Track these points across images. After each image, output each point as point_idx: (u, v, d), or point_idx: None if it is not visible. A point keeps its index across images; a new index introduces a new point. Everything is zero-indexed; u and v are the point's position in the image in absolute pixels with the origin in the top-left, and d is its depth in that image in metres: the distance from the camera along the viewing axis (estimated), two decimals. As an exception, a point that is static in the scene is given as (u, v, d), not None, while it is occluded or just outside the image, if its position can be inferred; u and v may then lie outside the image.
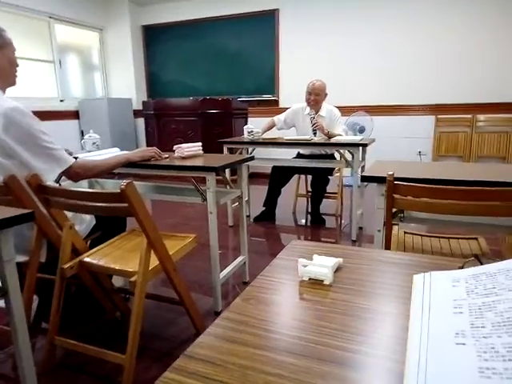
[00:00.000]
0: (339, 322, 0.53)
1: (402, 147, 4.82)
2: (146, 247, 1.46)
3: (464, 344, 0.45)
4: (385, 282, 0.65)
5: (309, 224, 3.59)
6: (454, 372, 0.41)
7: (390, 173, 1.40)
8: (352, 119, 4.62)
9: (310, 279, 0.65)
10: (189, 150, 2.13)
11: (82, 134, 5.46)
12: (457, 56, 4.53)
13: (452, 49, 4.53)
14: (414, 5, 4.61)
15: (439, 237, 1.82)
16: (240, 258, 2.27)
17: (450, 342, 0.46)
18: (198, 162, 2.00)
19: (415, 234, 1.87)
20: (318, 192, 3.45)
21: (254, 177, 4.89)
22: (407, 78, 4.77)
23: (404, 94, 4.81)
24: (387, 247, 1.57)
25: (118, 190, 1.30)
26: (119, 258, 1.62)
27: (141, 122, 5.86)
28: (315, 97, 3.30)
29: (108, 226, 1.90)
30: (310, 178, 3.66)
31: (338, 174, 3.58)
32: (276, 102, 5.48)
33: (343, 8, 4.91)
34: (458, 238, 1.79)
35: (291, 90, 5.22)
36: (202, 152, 2.21)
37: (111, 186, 2.38)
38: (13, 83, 1.65)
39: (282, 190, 3.56)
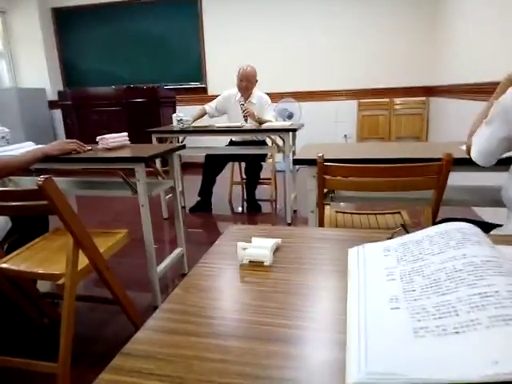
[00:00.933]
0: (281, 300, 0.53)
1: (329, 131, 5.02)
2: (72, 246, 1.35)
3: (398, 308, 0.47)
4: (322, 258, 0.66)
5: (245, 211, 3.61)
6: (391, 335, 0.43)
7: (320, 155, 1.44)
8: (281, 105, 4.70)
9: (250, 262, 0.64)
10: (114, 140, 2.01)
11: (-12, 128, 4.90)
12: (374, 45, 4.80)
13: (369, 40, 4.81)
14: (332, -7, 4.78)
15: (367, 213, 1.93)
16: (177, 250, 2.22)
17: (385, 308, 0.48)
18: (126, 153, 1.90)
19: (345, 213, 1.96)
20: (252, 178, 3.47)
21: (187, 167, 4.77)
22: (332, 64, 4.96)
23: (329, 80, 5.00)
24: (321, 226, 1.63)
25: (35, 187, 1.18)
26: (43, 260, 1.49)
27: (58, 113, 5.40)
28: (246, 83, 3.29)
29: (27, 228, 1.73)
30: (243, 165, 3.67)
31: (270, 160, 3.63)
32: (204, 90, 5.39)
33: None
34: (384, 213, 1.92)
35: (219, 77, 5.15)
36: (128, 142, 2.10)
37: (28, 184, 2.17)
38: None
39: (217, 178, 3.53)
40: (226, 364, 0.41)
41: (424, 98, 4.77)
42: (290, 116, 4.59)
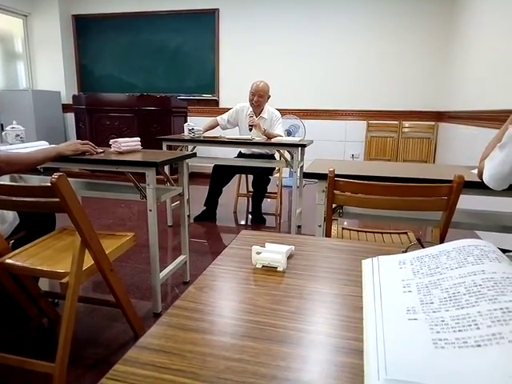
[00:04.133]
0: (295, 305, 0.53)
1: (337, 150, 5.04)
2: (79, 245, 1.35)
3: (416, 319, 0.47)
4: (335, 267, 0.66)
5: (249, 223, 3.60)
6: (410, 345, 0.42)
7: (331, 169, 1.45)
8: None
9: (263, 266, 0.64)
10: (126, 144, 2.03)
11: (2, 127, 4.96)
12: (386, 69, 4.86)
13: (382, 63, 4.87)
14: (348, 16, 4.86)
15: (373, 232, 1.92)
16: (181, 258, 2.21)
17: (402, 318, 0.47)
18: (137, 158, 1.91)
19: (352, 230, 1.95)
20: (259, 191, 3.47)
21: (194, 176, 4.80)
22: (344, 85, 5.01)
23: (340, 99, 5.04)
24: (327, 242, 1.62)
25: (48, 184, 1.19)
26: (48, 258, 1.49)
27: (71, 117, 5.47)
28: (258, 98, 3.32)
29: (34, 225, 1.74)
30: (250, 177, 3.68)
31: (277, 175, 3.64)
32: (216, 102, 5.45)
33: (282, 14, 5.03)
34: (390, 233, 1.91)
35: (232, 91, 5.21)
36: (140, 147, 2.12)
37: (37, 182, 2.18)
38: None
39: (223, 189, 3.54)
40: (242, 363, 0.40)
41: (433, 123, 4.79)
42: (289, 133, 4.55)
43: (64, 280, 1.34)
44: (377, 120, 4.96)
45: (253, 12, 5.12)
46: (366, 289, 0.57)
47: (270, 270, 0.63)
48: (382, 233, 1.92)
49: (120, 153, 1.99)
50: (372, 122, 4.98)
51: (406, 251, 0.68)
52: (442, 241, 1.53)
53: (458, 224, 1.59)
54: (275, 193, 3.75)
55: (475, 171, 1.45)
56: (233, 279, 0.60)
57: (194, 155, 2.22)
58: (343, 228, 1.96)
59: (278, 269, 0.62)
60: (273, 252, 0.63)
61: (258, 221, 3.50)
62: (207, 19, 5.25)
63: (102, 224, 3.32)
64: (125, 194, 1.93)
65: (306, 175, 1.62)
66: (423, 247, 0.67)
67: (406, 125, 4.90)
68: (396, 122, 4.90)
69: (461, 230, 1.71)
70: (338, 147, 5.06)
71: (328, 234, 1.61)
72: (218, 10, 5.20)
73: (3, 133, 2.30)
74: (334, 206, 1.56)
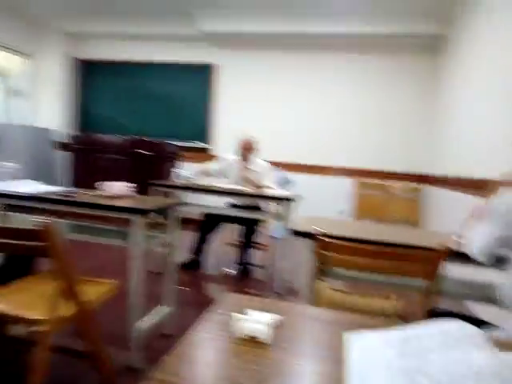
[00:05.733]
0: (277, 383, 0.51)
1: (325, 205, 5.08)
2: (58, 292, 1.31)
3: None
4: (320, 340, 0.65)
5: (236, 274, 3.54)
6: None
7: (321, 230, 1.46)
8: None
9: (245, 335, 0.63)
10: (118, 188, 2.04)
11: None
12: (373, 129, 5.10)
13: (369, 123, 5.12)
14: (335, 78, 5.19)
15: (361, 294, 1.91)
16: (163, 308, 2.14)
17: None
18: (126, 203, 1.91)
19: (338, 291, 1.94)
20: (246, 242, 3.46)
21: (182, 222, 4.77)
22: (332, 143, 5.22)
23: (328, 156, 5.21)
24: (315, 303, 1.60)
25: (39, 228, 1.18)
26: (23, 303, 1.43)
27: (65, 154, 5.51)
28: (244, 151, 3.51)
29: (15, 266, 1.69)
30: (238, 227, 3.68)
31: (266, 225, 3.65)
32: (208, 151, 5.58)
33: (278, 72, 5.34)
34: (379, 297, 1.90)
35: (224, 141, 5.35)
36: (132, 192, 2.12)
37: (26, 221, 2.15)
38: None
39: (211, 238, 3.52)
40: None
41: (418, 186, 4.93)
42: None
43: (37, 328, 1.28)
44: (365, 178, 5.10)
45: (248, 69, 5.41)
46: (347, 368, 0.56)
47: (252, 340, 0.62)
48: (370, 296, 1.91)
49: (110, 197, 1.99)
50: (360, 180, 5.10)
51: (389, 328, 0.67)
52: (426, 309, 1.52)
53: (444, 292, 1.59)
54: (264, 244, 3.73)
55: (456, 238, 1.48)
56: (214, 350, 0.59)
57: (183, 203, 2.23)
58: (331, 288, 1.94)
59: (260, 340, 0.62)
60: (258, 322, 0.63)
61: (243, 272, 3.46)
62: (202, 72, 5.53)
63: (86, 266, 3.22)
64: (110, 238, 1.91)
65: (296, 233, 1.63)
66: (406, 323, 0.67)
67: (394, 185, 5.02)
68: (383, 183, 5.03)
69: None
70: (325, 202, 5.12)
71: (315, 295, 1.59)
72: (213, 64, 5.48)
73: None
74: (322, 266, 1.56)
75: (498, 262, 1.30)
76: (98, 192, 2.05)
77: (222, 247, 3.80)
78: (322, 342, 0.65)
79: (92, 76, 5.94)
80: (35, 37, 5.69)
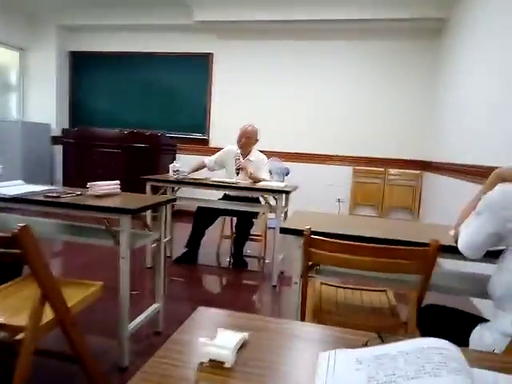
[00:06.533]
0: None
1: (323, 194, 5.04)
2: (39, 299, 1.28)
3: None
4: (290, 362, 0.61)
5: (231, 266, 3.52)
6: None
7: (307, 227, 1.42)
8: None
9: (210, 360, 0.59)
10: (104, 188, 1.99)
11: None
12: (374, 116, 4.99)
13: (369, 110, 5.01)
14: (336, 64, 5.05)
15: (352, 288, 1.88)
16: (154, 306, 2.12)
17: None
18: (114, 203, 1.87)
19: (331, 285, 1.91)
20: (242, 234, 3.43)
21: (179, 214, 4.74)
22: (331, 130, 5.12)
23: (327, 144, 5.12)
24: (303, 299, 1.57)
25: (9, 234, 1.14)
26: (6, 308, 1.41)
27: (59, 149, 5.45)
28: (245, 140, 3.37)
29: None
30: (235, 219, 3.64)
31: (262, 216, 3.60)
32: (206, 142, 5.50)
33: (277, 61, 5.21)
34: (369, 290, 1.87)
35: (222, 132, 5.27)
36: (119, 191, 2.08)
37: (11, 221, 2.11)
38: None
39: (206, 230, 3.48)
40: None
41: (419, 172, 4.87)
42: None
43: (19, 336, 1.26)
44: (363, 166, 5.03)
45: (245, 58, 5.29)
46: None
47: (217, 365, 0.58)
48: (360, 290, 1.88)
49: (97, 196, 1.95)
50: (358, 168, 5.04)
51: (366, 345, 0.64)
52: (419, 305, 1.49)
53: (438, 287, 1.55)
54: (260, 235, 3.70)
55: (452, 233, 1.44)
56: (175, 378, 0.55)
57: (173, 200, 2.19)
58: (322, 283, 1.91)
59: (225, 365, 0.58)
60: (220, 347, 0.59)
61: (239, 264, 3.44)
62: (200, 62, 5.40)
63: (76, 265, 3.21)
64: (98, 239, 1.87)
65: (283, 231, 1.59)
66: (383, 342, 0.63)
67: (392, 172, 4.96)
68: (382, 169, 4.97)
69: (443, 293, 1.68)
70: (323, 191, 5.07)
71: (304, 292, 1.56)
72: (211, 54, 5.36)
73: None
74: (310, 263, 1.52)
75: (490, 256, 1.26)
76: (85, 191, 2.00)
77: (218, 240, 3.76)
78: (294, 364, 0.61)
79: (87, 69, 5.83)
80: (28, 30, 5.59)
